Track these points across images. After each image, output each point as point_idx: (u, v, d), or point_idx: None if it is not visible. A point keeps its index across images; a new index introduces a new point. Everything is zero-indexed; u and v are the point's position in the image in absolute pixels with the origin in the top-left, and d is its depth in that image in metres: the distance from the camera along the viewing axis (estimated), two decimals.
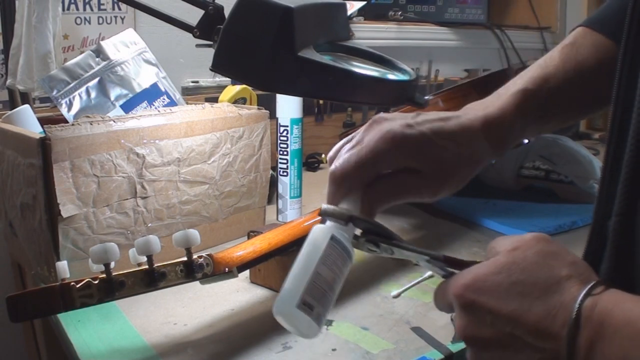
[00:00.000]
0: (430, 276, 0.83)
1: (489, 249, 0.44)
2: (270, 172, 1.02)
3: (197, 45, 0.73)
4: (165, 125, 0.83)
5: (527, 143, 0.94)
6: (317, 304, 0.43)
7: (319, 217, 0.48)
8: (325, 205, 0.47)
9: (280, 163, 0.99)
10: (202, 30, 0.70)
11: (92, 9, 1.21)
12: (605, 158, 0.46)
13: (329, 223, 0.47)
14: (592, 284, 0.38)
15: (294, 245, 0.71)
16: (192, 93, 1.35)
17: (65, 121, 0.87)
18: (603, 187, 0.46)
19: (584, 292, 0.38)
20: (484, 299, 0.40)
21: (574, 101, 0.58)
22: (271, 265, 0.77)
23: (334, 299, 0.45)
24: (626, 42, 0.45)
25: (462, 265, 0.44)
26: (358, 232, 0.48)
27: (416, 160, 0.48)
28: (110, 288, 0.57)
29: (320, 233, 0.46)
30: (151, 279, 0.60)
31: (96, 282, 0.57)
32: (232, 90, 1.16)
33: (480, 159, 0.52)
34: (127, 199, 0.79)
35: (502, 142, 0.53)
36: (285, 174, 0.99)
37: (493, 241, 0.45)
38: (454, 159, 0.50)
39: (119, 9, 1.24)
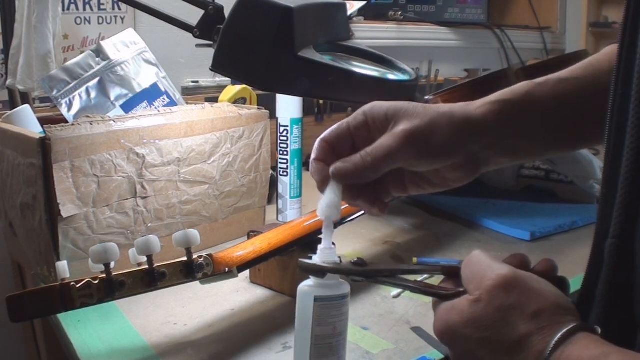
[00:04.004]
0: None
1: (463, 267, 0.45)
2: (270, 172, 1.02)
3: (197, 45, 0.73)
4: (165, 125, 0.83)
5: None
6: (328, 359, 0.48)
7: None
8: (300, 260, 0.50)
9: (280, 163, 0.99)
10: (202, 30, 0.70)
11: (92, 9, 1.21)
12: (603, 175, 0.44)
13: (309, 282, 0.49)
14: (553, 345, 0.38)
15: (294, 245, 0.71)
16: (192, 93, 1.35)
17: (65, 121, 0.87)
18: (601, 204, 0.44)
19: (545, 356, 0.38)
20: (459, 346, 0.43)
21: (581, 98, 0.53)
22: (271, 265, 0.77)
23: (345, 337, 0.49)
24: (623, 34, 0.41)
25: (439, 295, 0.46)
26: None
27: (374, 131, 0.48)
28: (110, 288, 0.57)
29: (305, 297, 0.49)
30: (151, 279, 0.60)
31: (96, 282, 0.57)
32: (232, 90, 1.16)
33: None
34: (127, 199, 0.79)
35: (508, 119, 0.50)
36: (285, 174, 0.99)
37: (464, 266, 0.45)
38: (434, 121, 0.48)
39: (119, 9, 1.24)
